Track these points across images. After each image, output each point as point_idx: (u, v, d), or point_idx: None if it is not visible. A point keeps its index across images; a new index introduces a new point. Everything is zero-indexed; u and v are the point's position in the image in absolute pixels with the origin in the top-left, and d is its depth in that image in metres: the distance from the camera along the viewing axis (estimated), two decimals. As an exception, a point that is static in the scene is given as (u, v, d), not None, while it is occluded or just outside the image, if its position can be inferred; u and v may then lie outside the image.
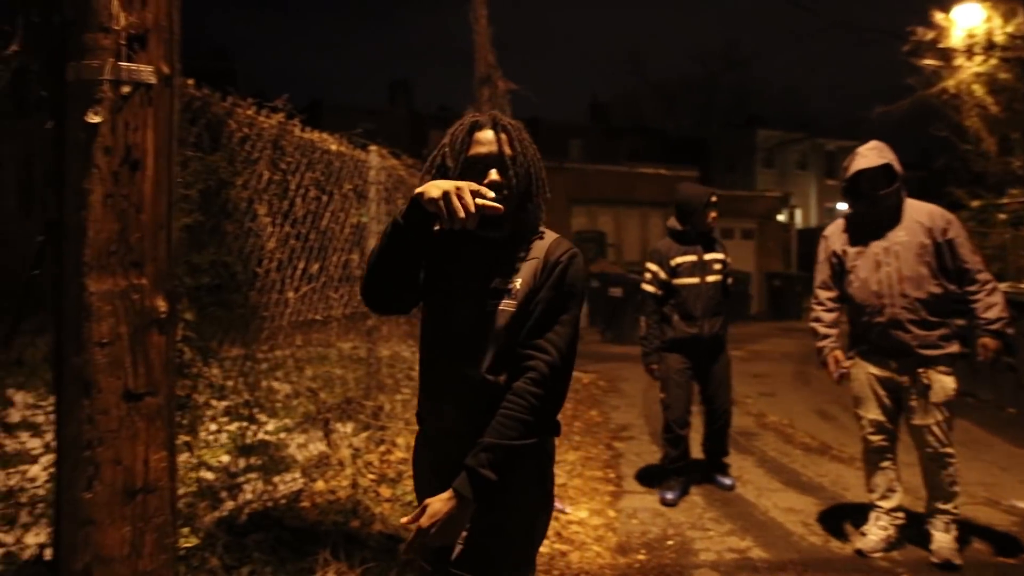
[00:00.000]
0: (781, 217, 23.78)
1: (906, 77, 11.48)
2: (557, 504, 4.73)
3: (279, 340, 4.04)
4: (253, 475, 4.54)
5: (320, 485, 4.23)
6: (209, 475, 4.40)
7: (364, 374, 5.34)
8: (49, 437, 5.54)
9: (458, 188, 1.78)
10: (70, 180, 2.33)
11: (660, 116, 46.83)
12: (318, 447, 4.78)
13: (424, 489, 2.14)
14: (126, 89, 2.32)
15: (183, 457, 4.49)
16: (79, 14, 2.31)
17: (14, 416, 6.33)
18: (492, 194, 1.85)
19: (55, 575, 2.39)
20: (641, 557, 4.29)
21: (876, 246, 4.07)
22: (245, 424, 4.96)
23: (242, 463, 4.66)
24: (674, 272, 4.99)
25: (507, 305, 1.96)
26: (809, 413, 8.23)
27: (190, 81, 3.26)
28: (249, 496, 4.18)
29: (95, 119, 2.28)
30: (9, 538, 3.58)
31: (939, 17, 10.99)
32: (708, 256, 5.05)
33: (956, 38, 10.94)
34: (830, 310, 4.34)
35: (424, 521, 1.88)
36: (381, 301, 2.12)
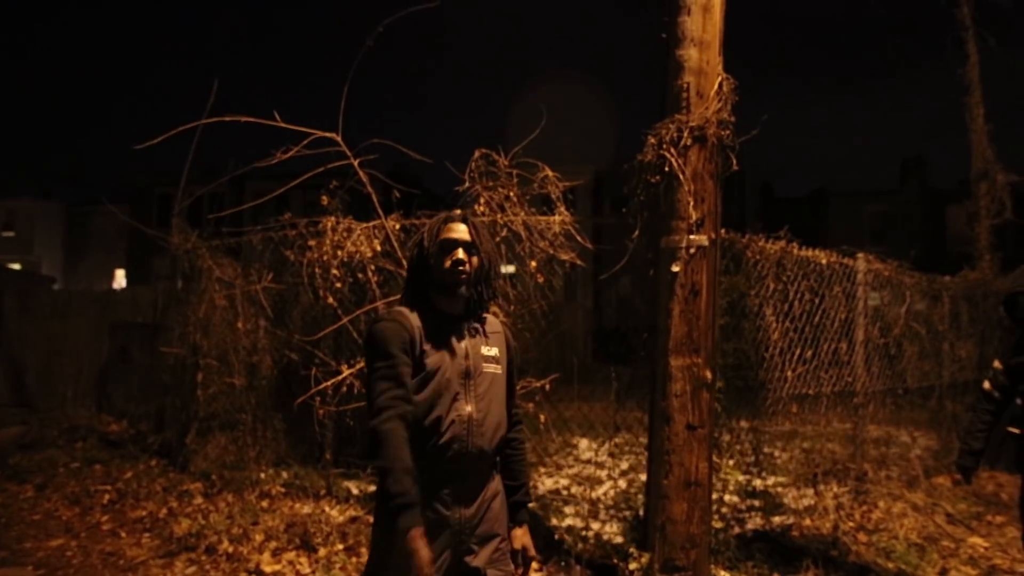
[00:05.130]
0: None
1: None
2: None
3: (779, 408, 5.42)
4: (755, 513, 5.94)
5: (808, 523, 5.43)
6: (725, 509, 5.95)
7: (852, 446, 6.33)
8: (605, 471, 7.79)
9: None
10: (661, 303, 4.16)
11: None
12: (806, 500, 5.95)
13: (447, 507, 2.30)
14: (692, 251, 4.08)
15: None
16: (669, 211, 4.17)
17: (585, 455, 8.91)
18: None
19: (644, 526, 4.14)
20: None
21: None
22: (756, 478, 6.43)
23: (747, 503, 6.12)
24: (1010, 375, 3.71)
25: (495, 368, 2.38)
26: None
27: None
28: (750, 526, 5.59)
29: (676, 269, 4.08)
30: (596, 524, 5.67)
31: None
32: None
33: None
34: None
35: (533, 552, 2.53)
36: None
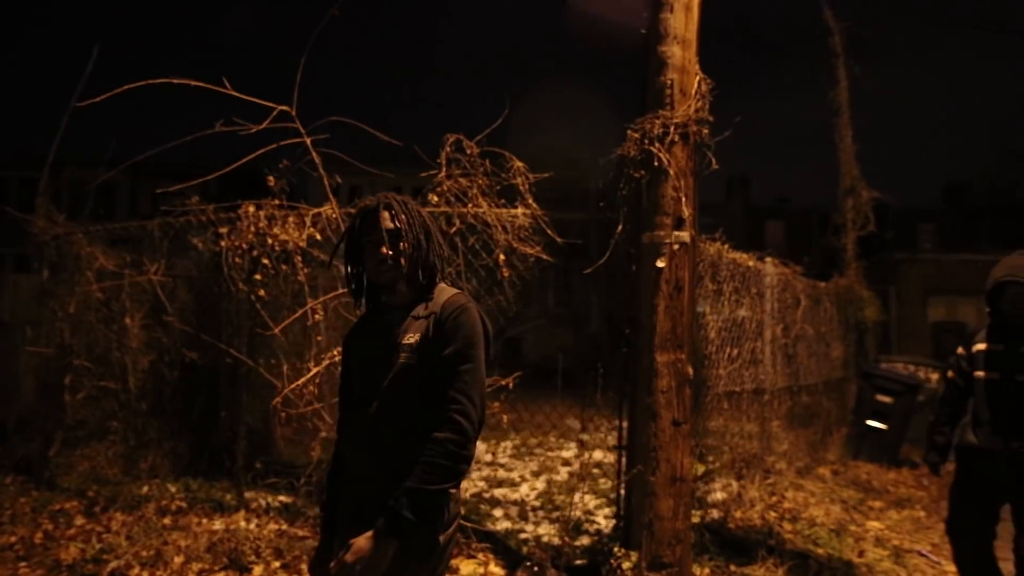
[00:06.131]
0: None
1: None
2: (934, 557, 5.55)
3: (715, 405, 5.60)
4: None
5: (739, 514, 5.64)
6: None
7: (758, 441, 6.68)
8: (516, 473, 7.72)
9: None
10: (644, 298, 4.14)
11: (1032, 193, 41.80)
12: (718, 493, 6.17)
13: (344, 525, 2.21)
14: (676, 247, 4.09)
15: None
16: (652, 207, 4.15)
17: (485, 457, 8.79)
18: None
19: (628, 523, 4.10)
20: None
21: None
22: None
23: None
24: (972, 361, 3.84)
25: (405, 358, 2.09)
26: None
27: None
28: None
29: (661, 264, 4.07)
30: (530, 526, 5.57)
31: None
32: None
33: None
34: None
35: (349, 557, 1.95)
36: None
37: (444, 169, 4.30)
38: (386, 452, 2.08)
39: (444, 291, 2.21)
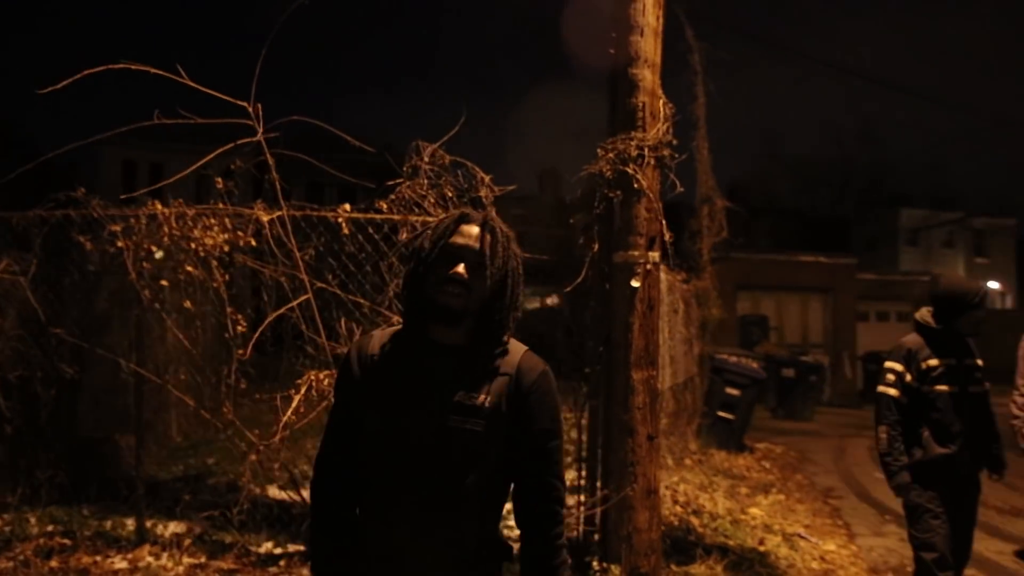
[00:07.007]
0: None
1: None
2: (812, 538, 6.21)
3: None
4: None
5: (655, 512, 5.97)
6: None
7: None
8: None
9: None
10: (619, 317, 4.22)
11: (795, 196, 47.47)
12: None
13: None
14: (649, 266, 4.22)
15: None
16: (626, 227, 4.25)
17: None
18: None
19: (604, 535, 4.19)
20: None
21: None
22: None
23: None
24: (924, 377, 3.93)
25: (474, 424, 1.77)
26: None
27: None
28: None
29: (636, 284, 4.18)
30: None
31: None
32: (969, 361, 3.98)
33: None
34: None
35: None
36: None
37: (426, 180, 4.12)
38: (432, 531, 1.76)
39: (517, 347, 1.92)
